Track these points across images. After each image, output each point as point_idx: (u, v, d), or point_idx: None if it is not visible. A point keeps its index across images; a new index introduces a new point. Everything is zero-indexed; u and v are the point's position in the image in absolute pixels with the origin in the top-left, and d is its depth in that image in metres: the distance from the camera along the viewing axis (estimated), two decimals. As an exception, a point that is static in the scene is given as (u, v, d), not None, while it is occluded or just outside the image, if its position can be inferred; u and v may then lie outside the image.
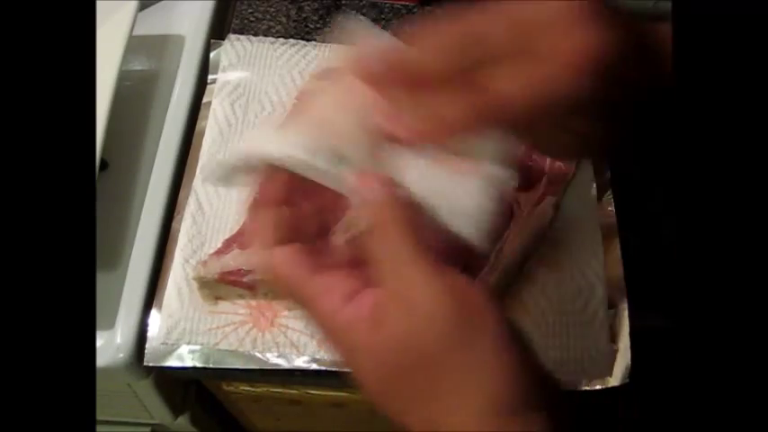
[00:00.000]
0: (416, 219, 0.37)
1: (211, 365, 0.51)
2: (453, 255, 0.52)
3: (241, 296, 0.53)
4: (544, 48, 0.33)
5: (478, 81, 0.34)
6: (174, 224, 0.56)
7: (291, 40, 0.64)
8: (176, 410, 0.68)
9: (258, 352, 0.51)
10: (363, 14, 0.69)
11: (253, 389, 0.62)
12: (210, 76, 0.62)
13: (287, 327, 0.52)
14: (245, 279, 0.51)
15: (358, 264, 0.35)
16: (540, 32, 0.33)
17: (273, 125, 0.42)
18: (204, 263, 0.52)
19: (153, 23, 0.67)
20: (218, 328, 0.52)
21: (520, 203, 0.53)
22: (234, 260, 0.52)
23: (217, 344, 0.51)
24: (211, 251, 0.53)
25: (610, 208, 0.57)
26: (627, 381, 0.50)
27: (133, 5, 0.57)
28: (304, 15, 0.69)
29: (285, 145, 0.36)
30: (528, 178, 0.54)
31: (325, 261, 0.36)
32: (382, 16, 0.69)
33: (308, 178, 0.36)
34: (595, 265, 0.54)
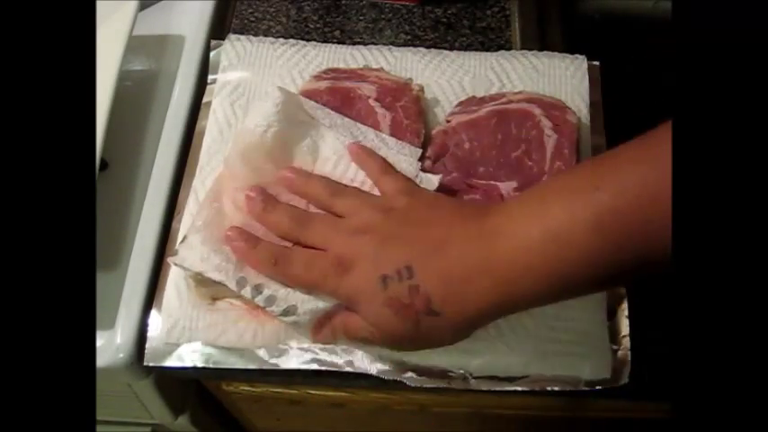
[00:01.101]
0: None
1: (211, 365, 0.51)
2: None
3: (238, 296, 0.53)
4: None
5: None
6: (174, 224, 0.56)
7: (291, 40, 0.64)
8: (176, 410, 0.68)
9: (258, 350, 0.51)
10: (363, 14, 0.69)
11: (253, 389, 0.62)
12: (210, 76, 0.62)
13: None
14: None
15: None
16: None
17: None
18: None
19: (153, 23, 0.67)
20: (216, 324, 0.52)
21: (520, 203, 0.53)
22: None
23: (216, 338, 0.51)
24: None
25: (610, 208, 0.57)
26: (627, 381, 0.50)
27: (133, 5, 0.57)
28: (304, 15, 0.69)
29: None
30: (528, 178, 0.54)
31: None
32: (382, 16, 0.69)
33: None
34: (595, 265, 0.54)
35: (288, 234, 0.49)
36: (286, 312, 0.49)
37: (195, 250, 0.50)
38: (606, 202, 0.39)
